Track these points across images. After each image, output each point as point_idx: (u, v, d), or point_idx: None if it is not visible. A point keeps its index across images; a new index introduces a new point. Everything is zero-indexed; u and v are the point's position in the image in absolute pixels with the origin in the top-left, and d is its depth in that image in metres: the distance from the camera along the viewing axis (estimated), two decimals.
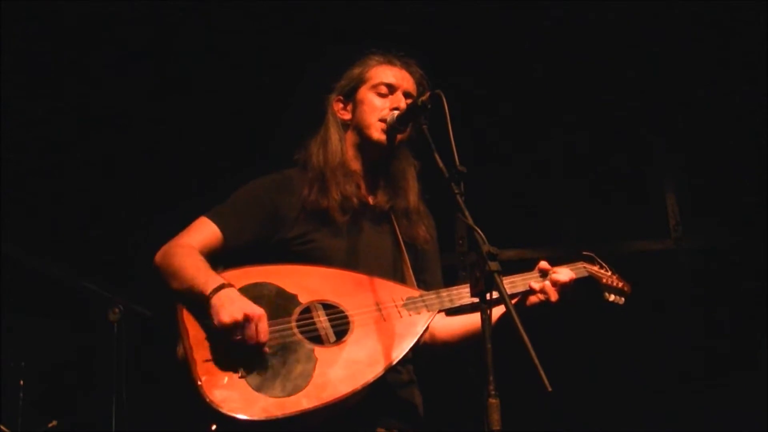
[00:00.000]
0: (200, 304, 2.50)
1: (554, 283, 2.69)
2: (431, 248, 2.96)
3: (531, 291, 2.69)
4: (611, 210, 4.96)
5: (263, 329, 2.44)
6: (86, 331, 4.38)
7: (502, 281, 2.20)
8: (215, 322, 2.44)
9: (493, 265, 2.20)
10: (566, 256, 2.89)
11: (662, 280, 4.83)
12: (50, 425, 3.94)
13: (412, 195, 2.89)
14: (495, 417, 2.08)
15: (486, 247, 2.23)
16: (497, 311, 2.60)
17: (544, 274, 2.73)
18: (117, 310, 3.66)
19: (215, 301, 2.46)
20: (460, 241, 5.00)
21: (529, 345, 2.06)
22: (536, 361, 2.03)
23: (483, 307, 2.21)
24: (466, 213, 2.33)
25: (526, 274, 2.75)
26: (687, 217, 5.03)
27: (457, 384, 4.42)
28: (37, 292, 4.34)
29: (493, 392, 2.10)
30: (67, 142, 4.84)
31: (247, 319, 2.42)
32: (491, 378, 2.11)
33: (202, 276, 2.54)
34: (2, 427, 3.76)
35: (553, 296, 2.66)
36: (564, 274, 2.71)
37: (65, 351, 4.58)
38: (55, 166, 4.84)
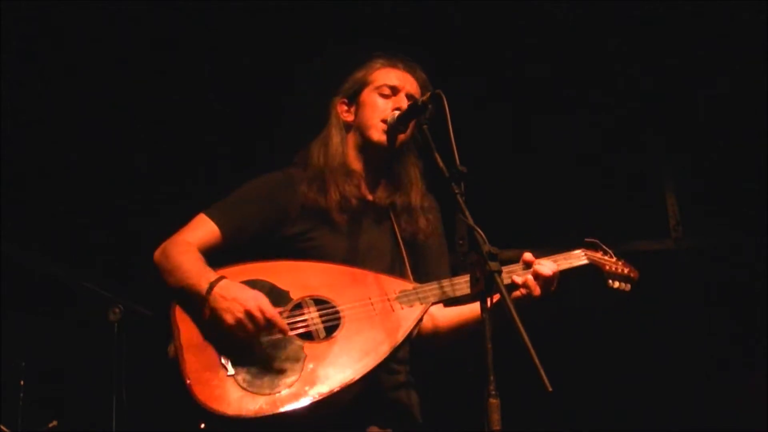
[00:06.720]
0: (195, 301, 2.52)
1: (537, 277, 2.64)
2: (434, 242, 2.95)
3: (513, 285, 2.65)
4: (611, 210, 4.95)
5: (269, 312, 2.45)
6: (86, 331, 4.37)
7: (502, 281, 2.20)
8: (223, 324, 2.45)
9: (494, 265, 2.20)
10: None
11: (662, 280, 4.83)
12: (50, 425, 3.94)
13: (414, 192, 2.88)
14: (495, 417, 2.09)
15: (486, 247, 2.24)
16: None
17: (528, 266, 2.69)
18: (117, 310, 3.66)
19: (213, 303, 2.47)
20: (461, 241, 4.99)
21: (530, 345, 2.06)
22: (536, 360, 2.03)
23: (483, 307, 2.21)
24: (467, 213, 2.33)
25: (510, 266, 2.70)
26: (687, 217, 5.03)
27: (457, 384, 4.41)
28: (37, 291, 4.33)
29: (493, 392, 2.10)
30: (67, 142, 4.83)
31: (248, 314, 2.43)
32: (491, 378, 2.11)
33: (197, 273, 2.55)
34: (2, 427, 3.75)
35: (536, 290, 2.62)
36: (547, 267, 2.66)
37: (65, 351, 4.57)
38: (55, 166, 4.83)
